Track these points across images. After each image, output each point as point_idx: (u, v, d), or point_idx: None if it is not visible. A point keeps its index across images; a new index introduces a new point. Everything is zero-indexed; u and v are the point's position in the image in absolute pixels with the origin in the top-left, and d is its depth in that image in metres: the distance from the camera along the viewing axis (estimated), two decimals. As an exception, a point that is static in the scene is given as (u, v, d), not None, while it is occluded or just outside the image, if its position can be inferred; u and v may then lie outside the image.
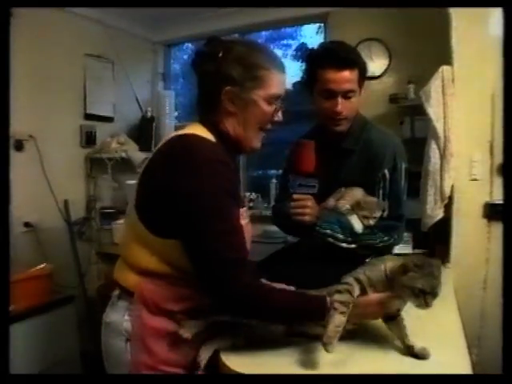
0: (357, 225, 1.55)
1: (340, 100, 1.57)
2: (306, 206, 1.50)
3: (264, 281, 1.22)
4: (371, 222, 1.56)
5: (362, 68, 1.60)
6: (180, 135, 1.15)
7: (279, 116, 1.24)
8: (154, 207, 1.11)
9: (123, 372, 1.16)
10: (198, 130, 1.17)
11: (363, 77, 1.62)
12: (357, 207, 1.57)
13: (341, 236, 1.55)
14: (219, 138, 1.18)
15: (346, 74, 1.55)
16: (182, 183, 1.06)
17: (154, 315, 1.14)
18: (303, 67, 3.40)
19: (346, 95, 1.57)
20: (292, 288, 1.21)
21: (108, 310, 1.22)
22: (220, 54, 1.16)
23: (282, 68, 1.22)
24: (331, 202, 1.62)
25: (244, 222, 1.22)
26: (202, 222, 1.05)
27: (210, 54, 1.18)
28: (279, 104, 1.22)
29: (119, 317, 1.17)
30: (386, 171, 1.60)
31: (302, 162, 1.46)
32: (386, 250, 1.68)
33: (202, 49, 1.22)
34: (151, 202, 1.12)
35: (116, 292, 1.22)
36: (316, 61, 1.62)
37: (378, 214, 1.56)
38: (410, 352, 1.08)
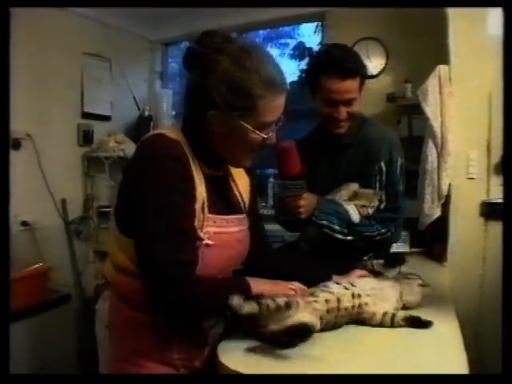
0: (354, 214, 1.58)
1: (342, 108, 1.59)
2: (298, 206, 1.52)
3: None
4: (370, 210, 1.59)
5: (363, 75, 1.62)
6: (148, 134, 1.13)
7: (271, 139, 1.12)
8: (120, 206, 1.13)
9: (105, 357, 1.21)
10: (170, 131, 1.11)
11: (364, 81, 1.64)
12: (354, 198, 1.60)
13: (337, 227, 1.57)
14: (201, 148, 1.11)
15: (349, 83, 1.56)
16: (133, 181, 1.06)
17: (125, 306, 1.16)
18: (302, 67, 3.39)
19: (348, 103, 1.59)
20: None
21: (99, 300, 1.28)
22: (209, 62, 1.03)
23: (281, 89, 1.07)
24: (329, 197, 1.65)
25: (233, 229, 1.19)
26: (143, 221, 1.03)
27: (198, 55, 1.06)
28: (273, 127, 1.11)
29: (103, 305, 1.23)
30: (383, 164, 1.64)
31: (287, 166, 1.47)
32: (384, 244, 1.70)
33: (193, 46, 1.08)
34: (119, 201, 1.13)
35: (103, 282, 1.28)
36: (319, 68, 1.63)
37: (375, 203, 1.59)
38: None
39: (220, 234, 1.13)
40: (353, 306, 1.17)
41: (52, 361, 2.43)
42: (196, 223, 1.07)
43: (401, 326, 1.17)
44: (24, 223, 2.71)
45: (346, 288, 1.19)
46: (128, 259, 1.10)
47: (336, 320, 1.16)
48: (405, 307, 1.25)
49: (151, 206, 1.02)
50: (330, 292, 1.16)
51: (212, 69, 1.03)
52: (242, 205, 1.27)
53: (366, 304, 1.18)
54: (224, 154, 1.15)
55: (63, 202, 3.02)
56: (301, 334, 1.04)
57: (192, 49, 1.08)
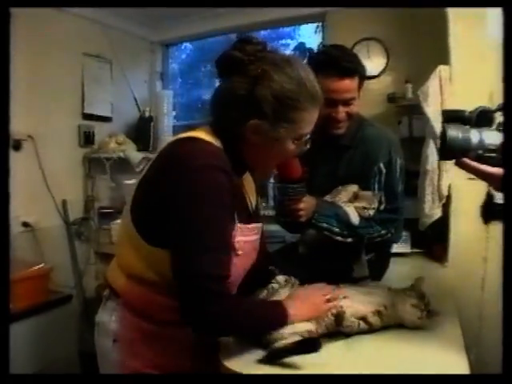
0: (353, 216, 1.57)
1: (341, 108, 1.59)
2: (298, 209, 1.52)
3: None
4: (371, 212, 1.58)
5: (361, 74, 1.61)
6: (182, 138, 1.08)
7: (304, 149, 1.15)
8: (147, 213, 1.07)
9: (111, 372, 1.15)
10: (205, 135, 1.07)
11: (363, 81, 1.63)
12: (355, 200, 1.60)
13: (337, 229, 1.56)
14: (229, 153, 1.07)
15: (347, 82, 1.56)
16: (176, 190, 0.99)
17: (140, 318, 1.12)
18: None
19: (347, 103, 1.59)
20: None
21: (99, 310, 1.21)
22: (256, 72, 1.02)
23: (319, 103, 1.10)
24: (328, 198, 1.65)
25: (254, 238, 1.19)
26: (190, 233, 0.98)
27: (240, 62, 1.04)
28: (306, 138, 1.13)
29: (107, 317, 1.16)
30: (382, 165, 1.63)
31: (288, 170, 1.46)
32: (384, 245, 1.70)
33: (234, 53, 1.05)
34: (145, 207, 1.07)
35: (106, 292, 1.21)
36: (317, 67, 1.61)
37: (375, 205, 1.59)
38: None
39: (246, 244, 1.13)
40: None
41: (53, 361, 2.44)
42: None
43: None
44: (25, 224, 2.72)
45: None
46: (149, 269, 1.07)
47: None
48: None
49: (199, 219, 0.98)
50: None
51: (260, 78, 1.02)
52: (251, 212, 1.26)
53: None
54: (254, 162, 1.15)
55: (64, 203, 3.02)
56: (307, 350, 1.03)
57: (233, 55, 1.05)
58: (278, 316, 1.09)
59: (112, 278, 1.18)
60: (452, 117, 1.01)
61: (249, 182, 1.29)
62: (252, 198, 1.29)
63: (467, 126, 0.97)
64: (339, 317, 1.15)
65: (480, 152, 0.95)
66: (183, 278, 0.99)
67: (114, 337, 1.13)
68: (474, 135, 0.95)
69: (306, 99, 1.06)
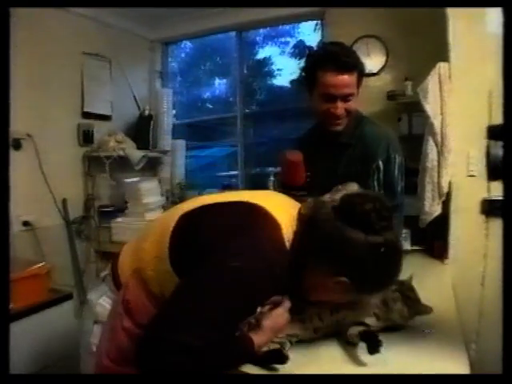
0: None
1: (339, 104, 1.59)
2: None
3: None
4: None
5: (360, 70, 1.62)
6: (263, 212, 1.04)
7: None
8: (185, 252, 1.04)
9: (84, 352, 1.17)
10: (285, 219, 1.06)
11: (361, 78, 1.64)
12: None
13: None
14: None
15: (346, 77, 1.56)
16: (218, 258, 0.95)
17: (129, 318, 1.08)
18: (301, 65, 3.37)
19: (346, 98, 1.59)
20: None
21: (92, 289, 1.22)
22: None
23: None
24: (327, 197, 1.65)
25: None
26: (198, 303, 0.91)
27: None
28: None
29: (96, 297, 1.17)
30: (380, 163, 1.63)
31: (292, 177, 1.46)
32: None
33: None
34: (187, 245, 1.05)
35: (105, 272, 1.20)
36: (316, 63, 1.62)
37: None
38: None
39: None
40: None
41: (54, 360, 2.43)
42: None
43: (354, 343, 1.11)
44: (25, 223, 2.72)
45: None
46: (159, 286, 1.07)
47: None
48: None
49: (215, 302, 0.92)
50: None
51: None
52: None
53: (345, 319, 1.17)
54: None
55: (64, 201, 3.03)
56: (275, 360, 1.03)
57: None
58: (241, 353, 1.02)
59: (121, 264, 1.17)
60: (496, 132, 0.94)
61: None
62: None
63: None
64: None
65: None
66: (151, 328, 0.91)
67: (95, 318, 1.15)
68: None
69: None
